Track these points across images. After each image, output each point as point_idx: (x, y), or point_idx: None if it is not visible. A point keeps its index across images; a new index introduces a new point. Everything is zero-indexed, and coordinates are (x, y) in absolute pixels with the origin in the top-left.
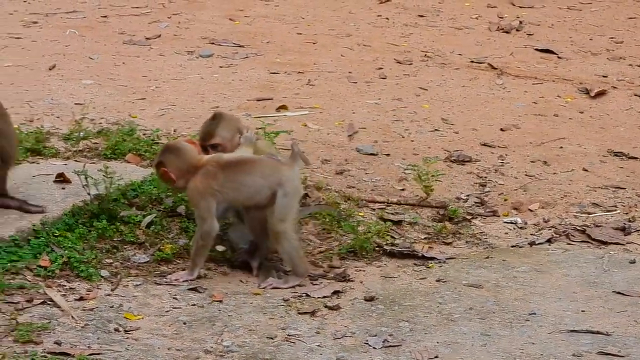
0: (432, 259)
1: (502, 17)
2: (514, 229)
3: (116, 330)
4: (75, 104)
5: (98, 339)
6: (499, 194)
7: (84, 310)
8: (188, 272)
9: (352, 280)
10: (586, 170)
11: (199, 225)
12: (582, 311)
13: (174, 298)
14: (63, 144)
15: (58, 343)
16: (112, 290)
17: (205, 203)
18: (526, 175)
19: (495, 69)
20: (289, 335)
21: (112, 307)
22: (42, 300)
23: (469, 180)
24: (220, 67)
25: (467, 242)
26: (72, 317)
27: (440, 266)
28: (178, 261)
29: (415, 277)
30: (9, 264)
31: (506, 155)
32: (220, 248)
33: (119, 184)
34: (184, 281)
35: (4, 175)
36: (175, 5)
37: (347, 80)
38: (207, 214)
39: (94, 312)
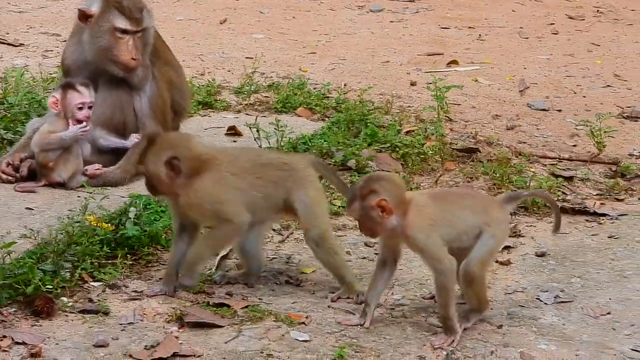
0: (604, 215)
1: None
2: None
3: (287, 282)
4: (246, 57)
5: (270, 290)
6: None
7: None
8: (450, 334)
9: (523, 236)
10: None
11: (436, 268)
12: None
13: (346, 252)
14: (234, 97)
15: (229, 294)
16: (281, 242)
17: (432, 240)
18: None
19: None
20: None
21: (282, 259)
22: None
23: None
24: (391, 21)
25: (639, 198)
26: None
27: (612, 222)
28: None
29: (587, 234)
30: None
31: None
32: None
33: (290, 137)
34: (451, 343)
35: (177, 128)
36: None
37: (518, 35)
38: (441, 250)
39: (265, 263)
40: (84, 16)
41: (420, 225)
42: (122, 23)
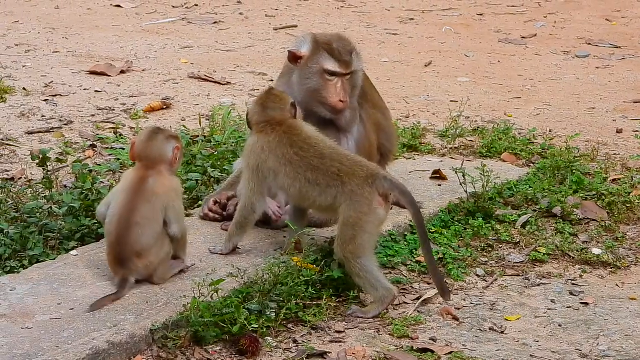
0: None
1: None
2: None
3: (491, 329)
4: (451, 101)
5: (474, 337)
6: None
7: (457, 308)
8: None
9: None
10: None
11: None
12: None
13: (550, 300)
14: (439, 140)
15: (433, 339)
16: (485, 288)
17: None
18: None
19: None
20: None
21: (486, 305)
22: (417, 296)
23: None
24: (597, 68)
25: None
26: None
27: None
28: (552, 262)
29: None
30: (386, 259)
31: None
32: (596, 251)
33: (495, 182)
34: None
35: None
36: (551, 4)
37: None
38: None
39: (468, 309)
40: (294, 58)
41: None
42: (331, 65)
